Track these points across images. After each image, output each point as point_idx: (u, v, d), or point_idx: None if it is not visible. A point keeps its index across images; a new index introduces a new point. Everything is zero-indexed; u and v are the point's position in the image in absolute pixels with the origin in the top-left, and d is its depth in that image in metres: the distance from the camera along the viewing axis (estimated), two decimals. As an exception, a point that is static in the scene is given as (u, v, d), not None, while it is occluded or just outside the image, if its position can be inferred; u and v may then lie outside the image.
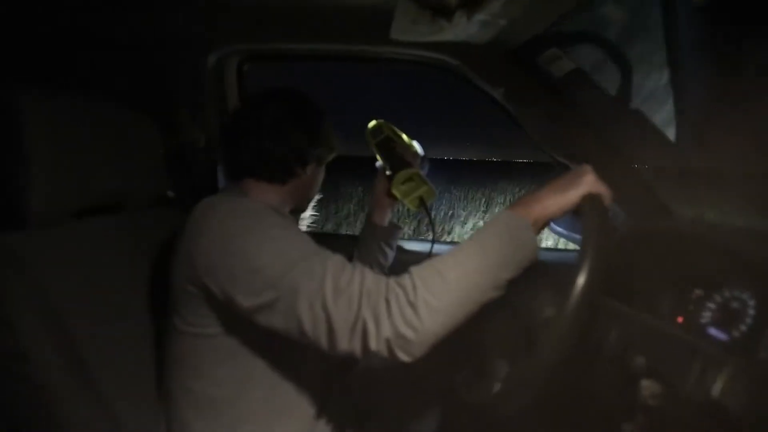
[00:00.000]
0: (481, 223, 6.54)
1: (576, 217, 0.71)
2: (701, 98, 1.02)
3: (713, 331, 0.70)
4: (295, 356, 0.85)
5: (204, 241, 0.74)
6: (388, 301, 0.64)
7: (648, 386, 0.55)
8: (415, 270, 0.67)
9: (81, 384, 0.72)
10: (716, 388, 0.50)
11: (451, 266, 0.66)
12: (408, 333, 0.62)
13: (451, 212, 7.09)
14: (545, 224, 0.71)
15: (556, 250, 1.55)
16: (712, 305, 0.73)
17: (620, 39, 1.04)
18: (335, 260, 0.70)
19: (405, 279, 0.66)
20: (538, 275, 0.71)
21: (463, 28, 0.82)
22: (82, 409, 0.71)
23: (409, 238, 1.52)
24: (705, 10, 0.88)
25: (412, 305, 0.63)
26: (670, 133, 1.06)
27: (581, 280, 0.57)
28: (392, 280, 0.67)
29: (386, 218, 1.20)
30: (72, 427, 0.70)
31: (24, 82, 0.75)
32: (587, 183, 0.69)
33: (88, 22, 1.14)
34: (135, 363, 0.86)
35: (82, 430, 0.71)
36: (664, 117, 1.07)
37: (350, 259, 1.19)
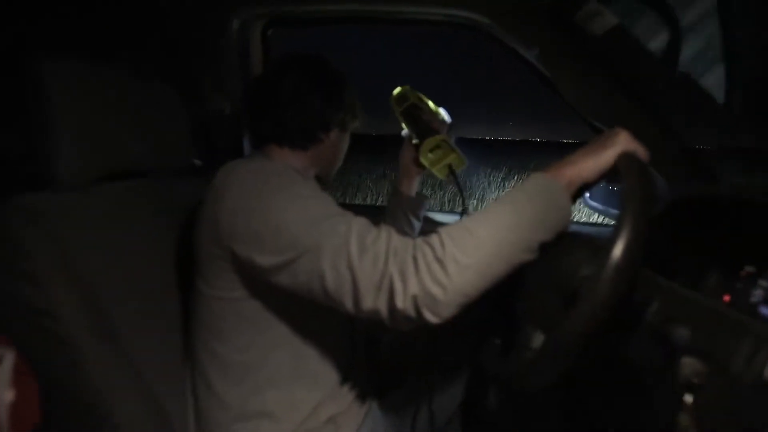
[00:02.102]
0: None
1: (612, 180, 0.67)
2: (757, 60, 0.94)
3: (765, 311, 0.65)
4: (319, 323, 0.85)
5: (228, 201, 0.74)
6: (415, 258, 0.62)
7: (690, 363, 0.51)
8: (443, 228, 0.65)
9: (106, 341, 0.73)
10: None
11: (481, 223, 0.63)
12: (436, 290, 0.60)
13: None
14: (580, 188, 0.67)
15: (592, 224, 1.48)
16: (764, 282, 0.67)
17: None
18: (360, 221, 0.69)
19: (432, 237, 0.64)
20: (573, 243, 0.67)
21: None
22: (107, 364, 0.73)
23: (437, 210, 1.48)
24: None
25: (440, 261, 0.61)
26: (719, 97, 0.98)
27: (626, 232, 0.53)
28: (420, 239, 0.65)
29: (413, 188, 1.18)
30: (98, 382, 0.71)
31: (50, 50, 0.75)
32: (621, 141, 0.65)
33: None
34: (160, 324, 0.87)
35: (108, 385, 0.72)
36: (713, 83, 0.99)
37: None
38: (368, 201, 6.67)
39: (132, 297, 0.81)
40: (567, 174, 0.66)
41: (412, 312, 0.62)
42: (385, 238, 0.66)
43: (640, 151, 0.65)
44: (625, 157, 0.63)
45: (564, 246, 0.67)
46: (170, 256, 0.92)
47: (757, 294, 0.68)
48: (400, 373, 1.08)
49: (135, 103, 0.88)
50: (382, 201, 6.57)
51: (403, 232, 1.15)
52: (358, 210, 0.81)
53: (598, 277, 0.53)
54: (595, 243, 0.66)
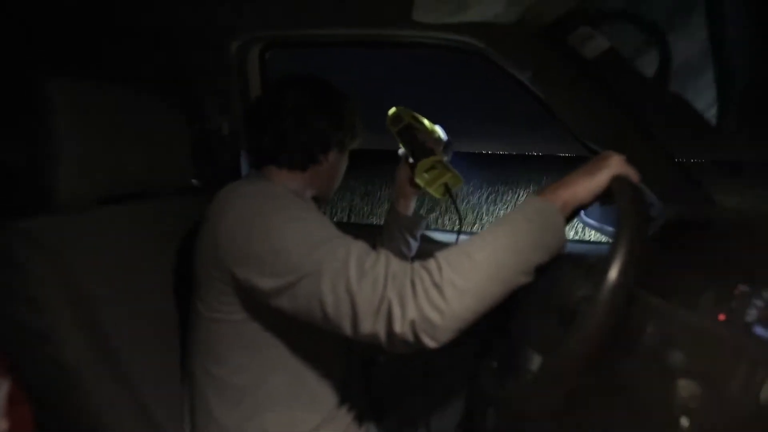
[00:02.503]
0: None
1: (606, 203, 0.68)
2: (747, 81, 0.95)
3: (759, 330, 0.65)
4: (317, 346, 0.85)
5: (227, 224, 0.74)
6: (413, 283, 0.63)
7: (686, 386, 0.51)
8: (440, 253, 0.65)
9: (106, 365, 0.73)
10: (765, 393, 0.46)
11: (478, 247, 0.64)
12: (433, 315, 0.61)
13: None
14: (574, 210, 0.68)
15: (587, 242, 1.49)
16: (758, 302, 0.68)
17: (658, 15, 0.97)
18: (358, 245, 0.70)
19: (430, 261, 0.65)
20: (568, 264, 0.68)
21: (489, 5, 0.78)
22: (106, 389, 0.72)
23: (434, 229, 1.48)
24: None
25: (438, 286, 0.61)
26: (711, 116, 0.99)
27: (621, 254, 0.54)
28: (417, 263, 0.66)
29: (410, 207, 1.18)
30: (96, 407, 0.71)
31: (53, 69, 0.76)
32: (614, 164, 0.67)
33: (115, 10, 1.15)
34: (159, 347, 0.87)
35: (107, 410, 0.72)
36: (705, 101, 1.00)
37: (373, 248, 1.18)
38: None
39: (132, 319, 0.81)
40: (562, 196, 0.67)
41: (410, 336, 0.62)
42: (384, 262, 0.66)
43: (632, 173, 0.67)
44: (618, 180, 0.65)
45: (560, 267, 0.68)
46: (169, 278, 0.92)
47: (752, 313, 0.68)
48: (397, 395, 1.08)
49: (136, 123, 0.89)
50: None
51: (400, 251, 1.16)
52: (355, 229, 0.81)
53: (595, 297, 0.54)
54: (591, 264, 0.67)
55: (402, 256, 1.17)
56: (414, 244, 1.19)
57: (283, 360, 0.83)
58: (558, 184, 0.68)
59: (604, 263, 0.55)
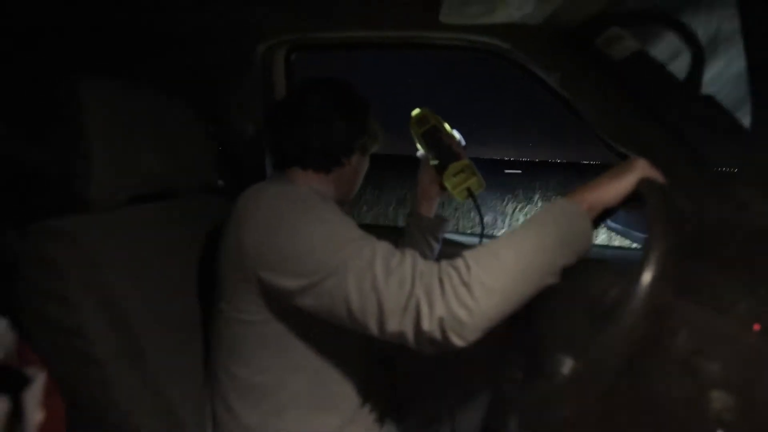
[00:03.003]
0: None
1: (632, 207, 0.68)
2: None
3: None
4: (339, 348, 0.85)
5: (252, 224, 0.75)
6: (441, 281, 0.63)
7: (720, 398, 0.50)
8: (467, 252, 0.66)
9: (133, 362, 0.75)
10: None
11: (506, 247, 0.65)
12: (462, 314, 0.61)
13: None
14: (601, 213, 0.69)
15: (613, 247, 1.46)
16: None
17: (689, 12, 0.95)
18: (384, 244, 0.70)
19: (458, 260, 0.65)
20: (596, 267, 0.67)
21: (517, 7, 0.77)
22: (132, 385, 0.74)
23: (456, 232, 1.47)
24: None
25: (467, 285, 0.62)
26: (745, 121, 0.96)
27: (654, 257, 0.54)
28: (444, 262, 0.66)
29: (433, 210, 1.18)
30: (123, 401, 0.73)
31: (84, 73, 0.78)
32: (641, 168, 0.67)
33: (142, 14, 1.18)
34: (184, 346, 0.88)
35: (132, 405, 0.73)
36: (739, 105, 0.97)
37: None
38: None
39: (158, 318, 0.82)
40: (588, 199, 0.68)
41: (438, 335, 0.63)
42: (411, 261, 0.67)
43: (659, 177, 0.67)
44: (646, 182, 0.65)
45: (589, 270, 0.68)
46: (194, 278, 0.93)
47: (789, 324, 0.66)
48: (418, 397, 1.07)
49: (164, 125, 0.90)
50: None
51: (422, 254, 1.15)
52: (376, 231, 0.81)
53: (633, 291, 0.53)
54: (621, 266, 0.66)
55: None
56: (436, 247, 1.18)
57: (305, 361, 0.83)
58: (584, 187, 0.69)
59: (641, 258, 0.55)
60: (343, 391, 0.88)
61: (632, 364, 0.53)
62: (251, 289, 0.77)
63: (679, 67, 1.00)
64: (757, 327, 0.68)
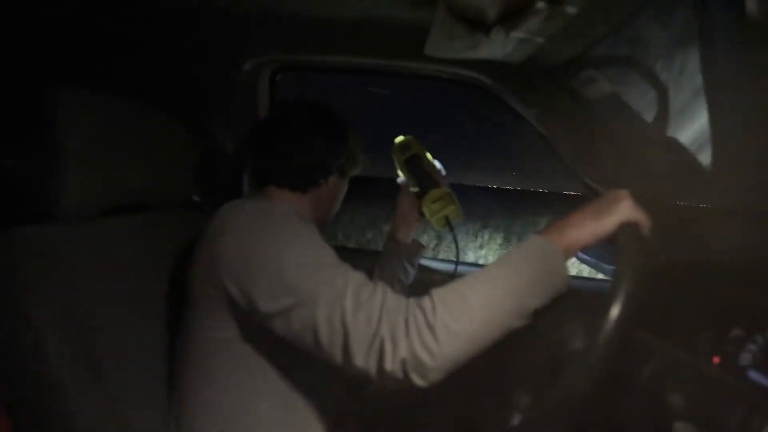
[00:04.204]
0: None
1: (610, 245, 0.67)
2: (743, 128, 0.97)
3: (754, 375, 0.66)
4: (311, 371, 0.84)
5: (227, 240, 0.74)
6: (407, 321, 0.62)
7: (683, 429, 0.52)
8: (436, 291, 0.64)
9: (93, 385, 0.72)
10: None
11: (475, 288, 0.63)
12: (424, 356, 0.60)
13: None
14: (575, 252, 0.67)
15: (583, 278, 1.50)
16: (752, 347, 0.68)
17: (659, 61, 1.01)
18: (357, 275, 0.69)
19: (425, 300, 0.64)
20: (565, 304, 0.68)
21: (499, 45, 0.81)
22: (92, 410, 0.71)
23: (432, 258, 1.49)
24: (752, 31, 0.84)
25: (431, 327, 0.60)
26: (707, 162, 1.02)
27: (613, 317, 0.54)
28: (413, 300, 0.65)
29: (410, 235, 1.19)
30: (81, 426, 0.69)
31: (62, 81, 0.76)
32: (625, 209, 0.64)
33: (127, 28, 1.17)
34: (149, 366, 0.86)
35: (92, 429, 0.70)
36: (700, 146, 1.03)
37: (370, 274, 1.18)
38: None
39: (124, 338, 0.79)
40: (566, 238, 0.65)
41: (400, 375, 0.62)
42: (380, 296, 0.65)
43: (642, 219, 0.65)
44: (626, 230, 0.62)
45: (555, 313, 0.67)
46: (165, 295, 0.91)
47: (746, 357, 0.69)
48: (390, 425, 1.06)
49: (142, 137, 0.89)
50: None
51: (397, 279, 1.16)
52: (353, 255, 0.82)
53: (586, 357, 0.54)
54: (585, 317, 0.66)
55: (400, 284, 1.17)
56: (412, 272, 1.19)
57: (274, 384, 0.81)
58: (564, 224, 0.67)
59: (598, 322, 0.54)
60: (313, 417, 0.85)
61: (599, 396, 0.54)
62: (221, 306, 0.76)
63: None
64: (716, 360, 0.71)
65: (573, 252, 0.66)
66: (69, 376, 0.69)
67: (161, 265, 0.93)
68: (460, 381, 0.68)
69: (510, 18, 0.71)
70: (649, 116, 1.05)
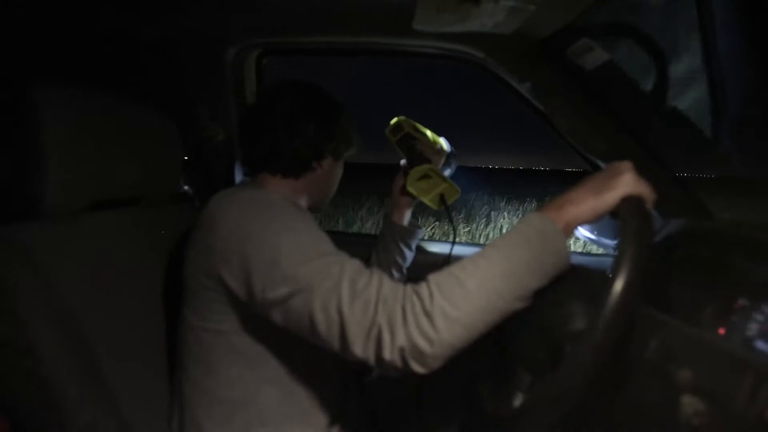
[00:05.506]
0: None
1: (613, 219, 0.65)
2: (742, 95, 0.95)
3: (761, 345, 0.64)
4: (311, 360, 0.83)
5: (222, 229, 0.72)
6: (404, 309, 0.61)
7: (691, 403, 0.50)
8: (432, 277, 0.63)
9: (88, 381, 0.71)
10: None
11: (472, 273, 0.61)
12: (423, 344, 0.59)
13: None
14: (576, 229, 0.65)
15: (584, 254, 1.48)
16: (759, 317, 0.67)
17: (656, 27, 0.98)
18: (353, 263, 0.67)
19: (422, 287, 0.62)
20: (566, 282, 0.66)
21: (490, 15, 0.78)
22: (88, 407, 0.70)
23: (430, 239, 1.47)
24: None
25: (428, 314, 0.59)
26: (707, 130, 1.00)
27: (615, 297, 0.52)
28: (409, 287, 0.63)
29: (405, 217, 1.17)
30: (77, 425, 0.69)
31: (45, 78, 0.75)
32: (626, 183, 0.61)
33: (109, 18, 1.15)
34: (145, 360, 0.85)
35: (88, 428, 0.69)
36: (701, 115, 1.01)
37: (369, 258, 1.17)
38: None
39: (119, 333, 0.79)
40: (566, 215, 0.63)
41: (399, 363, 0.61)
42: (377, 284, 0.64)
43: (646, 192, 0.62)
44: (629, 204, 0.60)
45: (555, 293, 0.65)
46: (159, 287, 0.90)
47: (753, 327, 0.67)
48: (393, 411, 1.06)
49: (127, 130, 0.87)
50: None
51: (395, 261, 1.15)
52: (351, 239, 0.80)
53: (587, 341, 0.52)
54: (586, 296, 0.63)
55: (397, 267, 1.16)
56: (409, 255, 1.18)
57: (275, 374, 0.80)
58: (563, 201, 0.64)
59: (599, 304, 0.52)
60: (316, 406, 0.85)
61: (605, 372, 0.53)
62: (219, 298, 0.75)
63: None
64: (722, 331, 0.70)
65: (573, 229, 0.63)
66: (65, 374, 0.68)
67: (154, 258, 0.92)
68: (461, 365, 0.67)
69: (499, -15, 0.68)
70: (647, 85, 1.03)
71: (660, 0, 0.99)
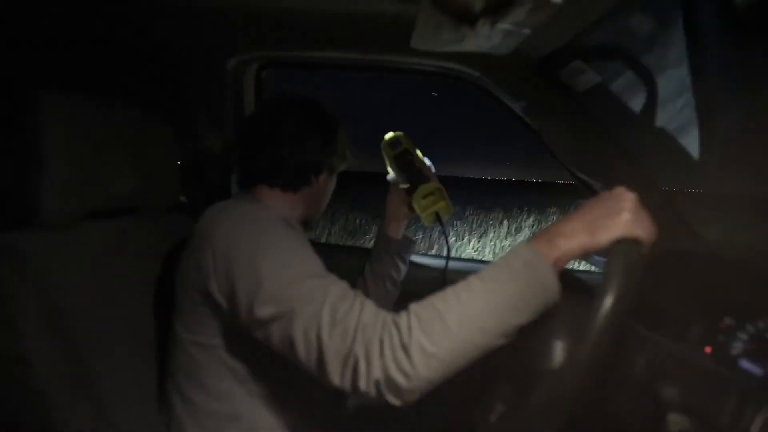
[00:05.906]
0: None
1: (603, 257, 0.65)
2: (729, 115, 0.98)
3: (746, 364, 0.66)
4: (301, 376, 0.82)
5: (212, 244, 0.72)
6: (381, 341, 0.59)
7: (677, 421, 0.51)
8: (414, 307, 0.61)
9: (81, 391, 0.71)
10: (755, 428, 0.46)
11: (453, 307, 0.59)
12: (399, 378, 0.57)
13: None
14: (566, 264, 0.62)
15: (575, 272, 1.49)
16: (743, 336, 0.69)
17: (645, 51, 1.01)
18: (337, 287, 0.66)
19: (402, 317, 0.61)
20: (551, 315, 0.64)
21: (486, 37, 0.80)
22: (80, 416, 0.70)
23: (423, 254, 1.48)
24: (737, 19, 0.84)
25: (405, 348, 0.57)
26: (694, 150, 1.02)
27: (586, 350, 0.52)
28: (390, 317, 0.62)
29: (400, 232, 1.18)
30: None
31: (44, 85, 0.75)
32: (623, 224, 0.58)
33: (111, 28, 1.15)
34: (138, 371, 0.85)
35: None
36: (688, 134, 1.03)
37: (362, 271, 1.17)
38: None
39: (113, 343, 0.78)
40: (555, 250, 0.60)
41: (374, 394, 0.60)
42: (357, 312, 0.62)
43: (643, 234, 0.58)
44: (620, 248, 0.57)
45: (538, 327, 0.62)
46: (152, 299, 0.90)
47: (737, 347, 0.69)
48: (384, 429, 1.06)
49: (126, 139, 0.88)
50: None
51: (389, 276, 1.15)
52: (346, 253, 0.81)
53: (563, 378, 0.52)
54: (567, 328, 0.62)
55: (391, 280, 1.17)
56: (403, 268, 1.18)
57: (265, 389, 0.80)
58: (554, 232, 0.62)
59: (578, 340, 0.52)
60: (305, 422, 0.85)
61: (592, 388, 0.54)
62: (208, 312, 0.75)
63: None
64: (708, 350, 0.71)
65: (564, 264, 0.61)
66: (56, 382, 0.68)
67: (149, 268, 0.92)
68: (452, 385, 0.67)
69: (496, 9, 0.70)
70: (636, 106, 1.06)
71: (649, 24, 1.01)
